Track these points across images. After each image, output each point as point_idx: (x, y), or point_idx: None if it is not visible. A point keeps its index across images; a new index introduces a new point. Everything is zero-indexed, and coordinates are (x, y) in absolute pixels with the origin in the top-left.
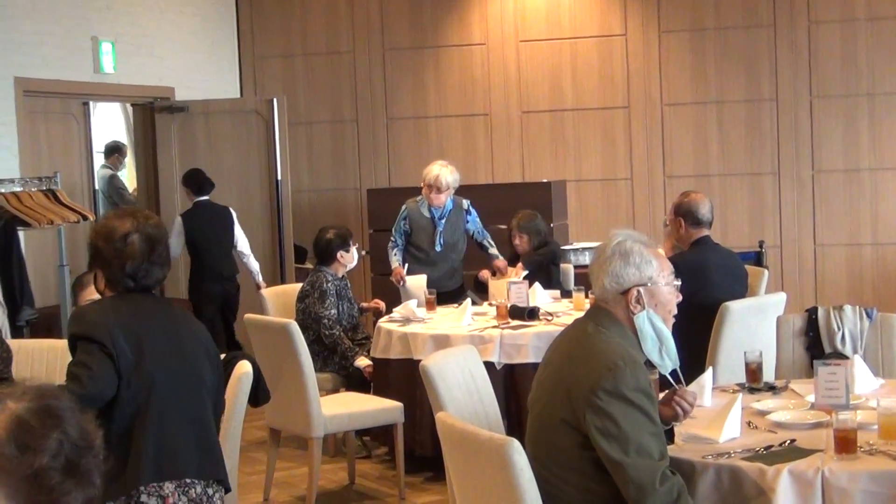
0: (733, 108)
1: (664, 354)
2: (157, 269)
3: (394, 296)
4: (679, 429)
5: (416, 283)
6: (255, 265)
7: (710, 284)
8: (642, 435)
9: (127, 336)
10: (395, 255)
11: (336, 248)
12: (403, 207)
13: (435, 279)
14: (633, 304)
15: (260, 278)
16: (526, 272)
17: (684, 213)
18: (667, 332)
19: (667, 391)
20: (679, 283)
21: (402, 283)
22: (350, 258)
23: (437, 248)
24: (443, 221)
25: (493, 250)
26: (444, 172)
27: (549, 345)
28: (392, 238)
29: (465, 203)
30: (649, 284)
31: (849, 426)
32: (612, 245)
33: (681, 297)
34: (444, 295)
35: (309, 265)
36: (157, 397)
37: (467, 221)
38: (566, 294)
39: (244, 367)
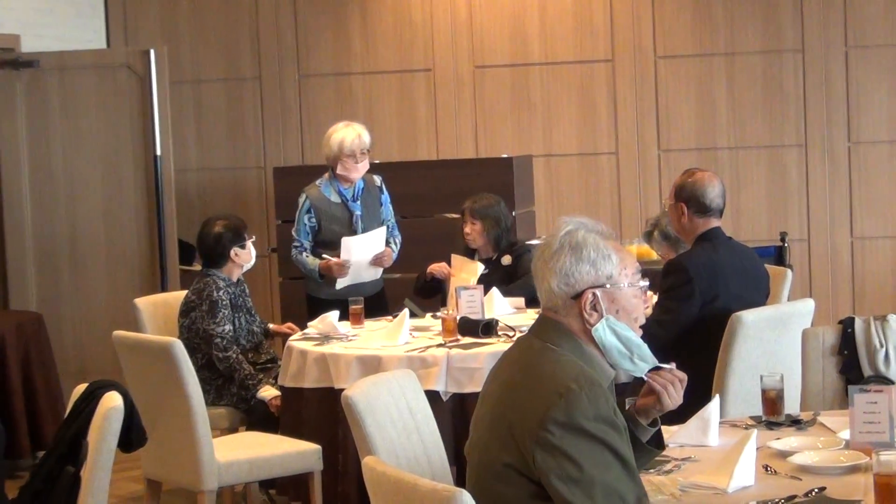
0: (747, 62)
1: (638, 361)
2: None
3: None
4: (677, 475)
5: (363, 245)
6: None
7: (726, 293)
8: (609, 474)
9: None
10: (307, 256)
11: (228, 244)
12: (303, 198)
13: (353, 283)
14: (587, 312)
15: None
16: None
17: (688, 198)
18: (636, 339)
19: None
20: (646, 283)
21: (347, 267)
22: (247, 256)
23: None
24: (358, 203)
25: (396, 246)
26: (358, 131)
27: (488, 374)
28: (295, 243)
29: (378, 179)
30: (608, 286)
31: (893, 470)
32: (560, 236)
33: (649, 303)
34: (371, 300)
35: (197, 266)
36: None
37: (381, 204)
38: (532, 302)
39: (112, 401)
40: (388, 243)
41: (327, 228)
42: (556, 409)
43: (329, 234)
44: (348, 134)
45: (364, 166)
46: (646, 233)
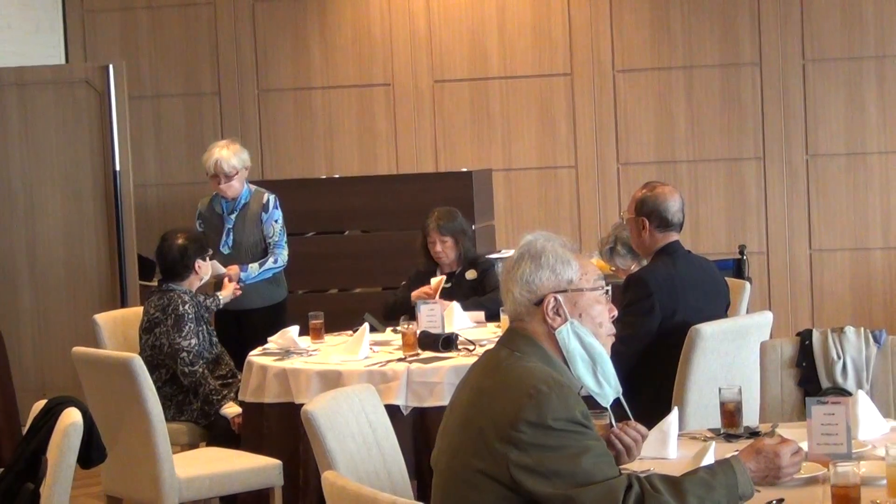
0: (705, 76)
1: (601, 378)
2: None
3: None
4: None
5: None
6: None
7: (685, 307)
8: (586, 461)
9: None
10: None
11: (193, 255)
12: (199, 204)
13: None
14: (550, 316)
15: None
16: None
17: (649, 212)
18: (598, 348)
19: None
20: (609, 289)
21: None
22: (207, 268)
23: (224, 251)
24: (232, 217)
25: (264, 265)
26: (226, 154)
27: (456, 386)
28: None
29: (268, 196)
30: (569, 290)
31: (850, 481)
32: (521, 246)
33: (615, 312)
34: (256, 314)
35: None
36: None
37: (262, 221)
38: (492, 317)
39: (71, 417)
40: (266, 256)
41: (208, 236)
42: (526, 410)
43: (209, 242)
44: (212, 156)
45: (229, 188)
46: (608, 249)
